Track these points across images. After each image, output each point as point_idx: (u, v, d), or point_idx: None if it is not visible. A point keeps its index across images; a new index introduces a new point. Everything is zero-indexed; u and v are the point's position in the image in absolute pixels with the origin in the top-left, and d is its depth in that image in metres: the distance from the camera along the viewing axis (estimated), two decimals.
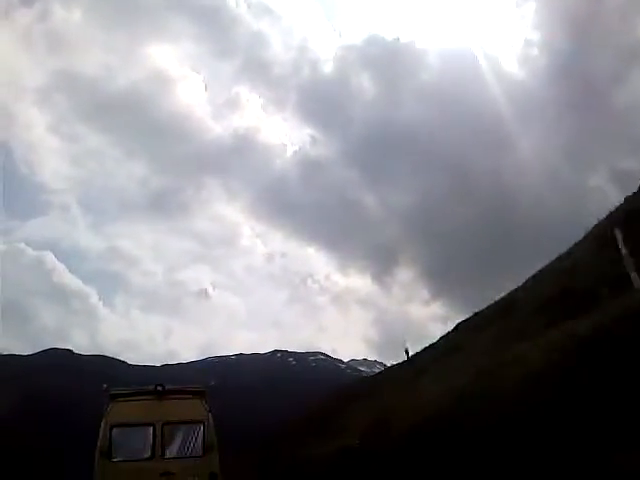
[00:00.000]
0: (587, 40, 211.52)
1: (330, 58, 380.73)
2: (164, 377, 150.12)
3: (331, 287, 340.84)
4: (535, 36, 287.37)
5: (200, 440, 10.04)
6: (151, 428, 9.96)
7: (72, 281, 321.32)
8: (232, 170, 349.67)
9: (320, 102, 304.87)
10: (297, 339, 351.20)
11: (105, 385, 10.67)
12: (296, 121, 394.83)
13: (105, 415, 10.09)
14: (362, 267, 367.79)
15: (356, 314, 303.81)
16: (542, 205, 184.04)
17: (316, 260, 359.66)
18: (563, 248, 19.18)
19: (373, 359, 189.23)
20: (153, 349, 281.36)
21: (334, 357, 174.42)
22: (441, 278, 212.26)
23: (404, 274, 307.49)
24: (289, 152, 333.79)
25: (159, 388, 10.42)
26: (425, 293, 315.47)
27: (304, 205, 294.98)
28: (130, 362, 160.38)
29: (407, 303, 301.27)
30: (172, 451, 9.97)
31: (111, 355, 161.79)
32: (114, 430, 9.91)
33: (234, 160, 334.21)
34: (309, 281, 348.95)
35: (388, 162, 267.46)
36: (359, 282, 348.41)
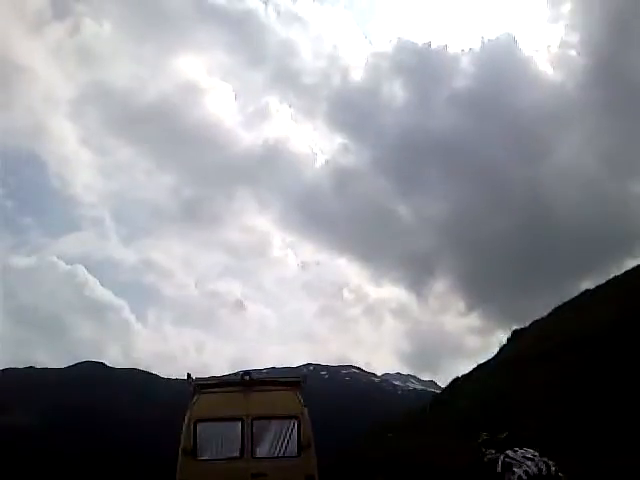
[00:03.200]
0: (627, 41, 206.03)
1: (361, 65, 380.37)
2: None
3: (364, 299, 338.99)
4: (572, 37, 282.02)
5: (295, 438, 8.82)
6: (239, 423, 8.81)
7: (104, 294, 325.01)
8: (262, 180, 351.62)
9: (351, 110, 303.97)
10: (329, 352, 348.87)
11: (188, 372, 9.49)
12: (327, 130, 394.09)
13: (189, 408, 9.02)
14: (396, 278, 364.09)
15: (389, 326, 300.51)
16: (581, 213, 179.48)
17: (348, 271, 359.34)
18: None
19: (406, 373, 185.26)
20: (185, 362, 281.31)
21: (367, 371, 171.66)
22: (477, 289, 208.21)
23: (439, 285, 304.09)
24: (320, 161, 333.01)
25: (246, 377, 9.27)
26: (461, 305, 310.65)
27: (336, 215, 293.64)
28: (162, 375, 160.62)
29: (442, 315, 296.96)
30: (263, 450, 8.78)
31: (143, 368, 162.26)
32: (199, 425, 8.82)
33: (264, 170, 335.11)
34: (341, 292, 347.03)
35: (422, 170, 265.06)
36: (393, 293, 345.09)
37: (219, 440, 8.85)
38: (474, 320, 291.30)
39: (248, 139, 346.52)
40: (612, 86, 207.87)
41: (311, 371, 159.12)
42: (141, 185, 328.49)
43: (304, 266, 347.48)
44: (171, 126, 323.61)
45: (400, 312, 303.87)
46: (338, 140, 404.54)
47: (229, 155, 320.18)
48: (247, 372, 9.42)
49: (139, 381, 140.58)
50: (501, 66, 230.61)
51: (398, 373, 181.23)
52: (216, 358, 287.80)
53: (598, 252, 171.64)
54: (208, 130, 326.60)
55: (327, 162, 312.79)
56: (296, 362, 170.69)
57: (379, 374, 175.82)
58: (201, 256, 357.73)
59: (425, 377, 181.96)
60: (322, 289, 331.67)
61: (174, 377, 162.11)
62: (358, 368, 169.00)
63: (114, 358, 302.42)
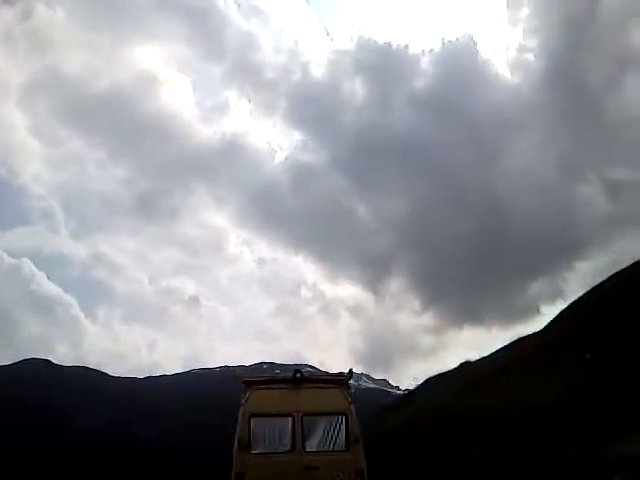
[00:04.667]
0: (583, 47, 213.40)
1: (322, 62, 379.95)
2: (147, 390, 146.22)
3: (319, 297, 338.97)
4: (530, 41, 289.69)
5: (343, 433, 9.26)
6: (290, 419, 9.24)
7: (52, 289, 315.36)
8: (219, 176, 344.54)
9: (311, 107, 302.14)
10: (284, 350, 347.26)
11: (236, 372, 10.37)
12: (286, 126, 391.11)
13: (242, 404, 9.42)
14: (352, 277, 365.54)
15: (344, 325, 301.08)
16: (534, 216, 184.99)
17: (304, 269, 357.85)
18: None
19: (360, 371, 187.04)
20: (136, 360, 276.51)
21: (321, 369, 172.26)
22: (432, 288, 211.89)
23: (395, 284, 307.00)
24: (278, 158, 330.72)
25: (298, 375, 9.74)
26: (416, 304, 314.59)
27: (293, 212, 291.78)
28: (112, 374, 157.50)
29: (397, 313, 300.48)
30: (313, 444, 9.21)
31: (92, 366, 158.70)
32: (252, 420, 9.23)
33: (221, 166, 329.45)
34: (297, 290, 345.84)
35: (380, 170, 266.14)
36: (348, 292, 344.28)
37: (272, 434, 9.26)
38: (428, 319, 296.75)
39: (206, 133, 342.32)
40: (567, 91, 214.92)
41: (265, 370, 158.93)
42: (93, 177, 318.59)
43: (260, 263, 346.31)
44: (125, 117, 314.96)
45: (355, 310, 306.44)
46: (297, 137, 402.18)
47: (185, 149, 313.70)
48: (298, 370, 9.86)
49: (88, 379, 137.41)
50: (460, 68, 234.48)
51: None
52: (168, 356, 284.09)
53: (549, 255, 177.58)
54: (164, 123, 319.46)
55: (286, 159, 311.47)
56: (250, 360, 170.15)
57: (333, 372, 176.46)
58: (154, 252, 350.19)
59: (378, 376, 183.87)
60: (278, 287, 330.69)
61: (124, 375, 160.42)
62: (312, 367, 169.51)
63: (62, 356, 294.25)
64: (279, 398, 9.48)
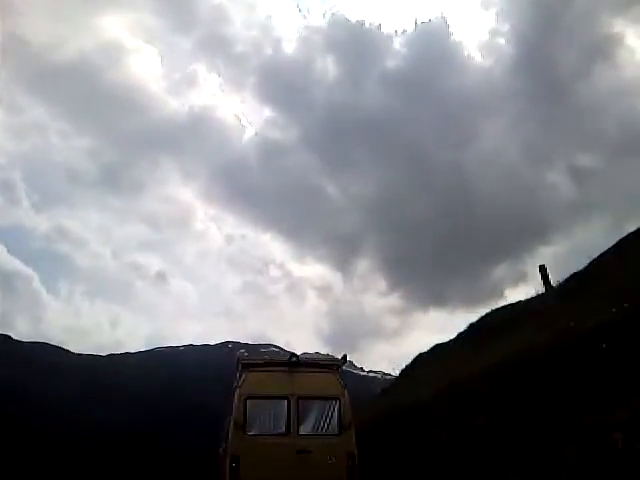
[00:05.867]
0: (553, 33, 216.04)
1: (293, 38, 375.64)
2: (109, 367, 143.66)
3: (286, 276, 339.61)
4: (502, 26, 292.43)
5: (336, 417, 9.46)
6: (285, 402, 9.39)
7: (12, 263, 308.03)
8: (186, 150, 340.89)
9: (281, 83, 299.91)
10: (249, 329, 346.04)
11: (240, 351, 9.42)
12: (256, 102, 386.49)
13: (238, 385, 9.54)
14: (319, 257, 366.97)
15: (311, 304, 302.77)
16: (500, 200, 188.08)
17: (272, 248, 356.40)
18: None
19: (325, 352, 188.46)
20: (98, 337, 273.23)
21: (287, 349, 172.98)
22: (400, 269, 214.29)
23: (363, 264, 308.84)
24: (247, 134, 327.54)
25: (293, 359, 9.91)
26: (383, 284, 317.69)
27: (261, 189, 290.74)
28: (74, 351, 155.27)
29: (364, 294, 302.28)
30: (307, 427, 9.39)
31: (53, 342, 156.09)
32: (248, 402, 9.35)
33: (189, 140, 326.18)
34: (264, 269, 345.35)
35: (350, 148, 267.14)
36: (315, 272, 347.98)
37: (267, 417, 9.38)
38: (394, 300, 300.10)
39: (173, 106, 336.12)
40: (537, 77, 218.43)
41: (230, 349, 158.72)
42: (56, 148, 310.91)
43: (226, 241, 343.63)
44: (90, 86, 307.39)
45: (322, 290, 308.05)
46: (267, 113, 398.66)
47: (152, 121, 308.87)
48: (294, 354, 10.03)
49: (48, 356, 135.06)
50: (432, 49, 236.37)
51: (317, 352, 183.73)
52: (132, 334, 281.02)
53: (514, 239, 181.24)
54: (130, 93, 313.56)
55: (255, 135, 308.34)
56: (214, 340, 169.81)
57: (298, 353, 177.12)
58: (119, 226, 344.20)
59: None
60: (244, 265, 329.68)
61: (87, 353, 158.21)
62: (277, 347, 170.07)
63: (22, 331, 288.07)
64: (275, 381, 9.59)
